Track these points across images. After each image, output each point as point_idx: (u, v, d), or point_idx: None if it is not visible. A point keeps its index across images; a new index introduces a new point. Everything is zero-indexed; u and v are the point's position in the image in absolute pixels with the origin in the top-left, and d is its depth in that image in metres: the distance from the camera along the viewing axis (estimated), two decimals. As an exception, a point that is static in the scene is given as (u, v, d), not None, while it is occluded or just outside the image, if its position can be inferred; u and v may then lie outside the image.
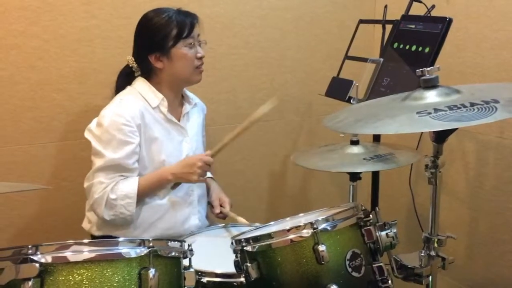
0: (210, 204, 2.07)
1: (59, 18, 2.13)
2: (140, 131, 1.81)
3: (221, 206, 2.03)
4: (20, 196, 2.18)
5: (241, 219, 1.90)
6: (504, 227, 2.16)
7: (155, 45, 1.84)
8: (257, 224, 1.80)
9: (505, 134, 2.11)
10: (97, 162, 1.78)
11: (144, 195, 1.83)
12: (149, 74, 1.90)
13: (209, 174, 2.09)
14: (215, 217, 2.05)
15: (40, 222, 2.24)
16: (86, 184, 1.81)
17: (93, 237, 1.91)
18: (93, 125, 1.83)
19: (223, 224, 1.96)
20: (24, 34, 2.09)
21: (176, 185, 1.88)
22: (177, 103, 1.96)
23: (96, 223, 1.88)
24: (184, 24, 1.84)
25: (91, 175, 1.79)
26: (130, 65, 1.90)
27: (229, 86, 2.48)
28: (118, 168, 1.78)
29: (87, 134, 1.83)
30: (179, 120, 1.95)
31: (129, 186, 1.78)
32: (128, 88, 1.90)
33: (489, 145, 2.19)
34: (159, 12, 1.86)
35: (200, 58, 1.89)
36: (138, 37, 1.89)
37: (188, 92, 2.03)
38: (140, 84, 1.89)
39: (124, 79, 1.92)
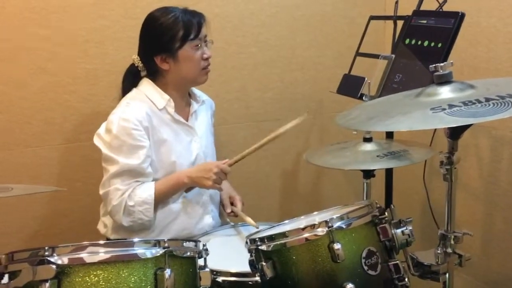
0: (221, 203, 2.06)
1: (69, 20, 2.14)
2: (149, 134, 1.81)
3: (232, 204, 2.02)
4: (33, 198, 2.19)
5: (249, 220, 1.88)
6: (519, 223, 2.14)
7: (161, 46, 1.82)
8: (270, 222, 1.80)
9: (519, 129, 2.09)
10: (111, 169, 1.77)
11: (161, 199, 1.82)
12: (155, 75, 1.89)
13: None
14: (227, 216, 2.04)
15: (54, 223, 2.25)
16: (102, 191, 1.80)
17: (108, 240, 1.90)
18: (102, 130, 1.82)
19: (237, 224, 1.96)
20: (34, 37, 2.10)
21: (189, 188, 1.87)
22: (184, 102, 1.96)
23: (112, 227, 1.88)
24: (191, 24, 1.82)
25: (106, 182, 1.78)
26: (136, 65, 1.89)
27: (239, 85, 2.48)
28: (133, 174, 1.77)
29: (96, 140, 1.82)
30: (187, 120, 1.94)
31: (146, 191, 1.77)
32: (134, 90, 1.89)
33: (503, 141, 2.16)
34: (165, 12, 1.83)
35: (207, 59, 1.87)
36: (144, 38, 1.87)
37: (195, 90, 2.02)
38: (146, 86, 1.88)
39: (131, 80, 1.91)
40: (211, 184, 1.80)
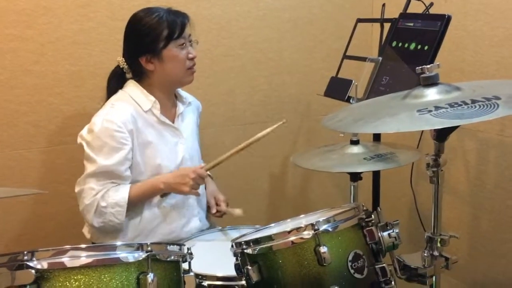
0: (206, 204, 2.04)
1: (55, 21, 2.12)
2: (133, 136, 1.79)
3: (217, 205, 2.00)
4: (17, 201, 2.16)
5: (237, 211, 1.88)
6: (506, 226, 2.14)
7: (146, 47, 1.80)
8: (257, 226, 1.78)
9: (506, 132, 2.10)
10: (89, 168, 1.75)
11: (135, 203, 1.80)
12: (140, 76, 1.87)
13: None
14: (213, 216, 2.02)
15: (39, 227, 2.22)
16: (77, 189, 1.79)
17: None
18: (84, 131, 1.80)
19: (224, 227, 1.95)
20: (19, 38, 2.08)
21: (166, 194, 1.85)
22: (170, 104, 1.93)
23: (96, 232, 1.85)
24: (175, 24, 1.80)
25: (82, 180, 1.77)
26: (121, 66, 1.87)
27: (226, 88, 2.47)
28: (109, 175, 1.75)
29: (79, 141, 1.80)
30: (173, 121, 1.92)
31: (120, 194, 1.75)
32: (120, 92, 1.87)
33: (490, 143, 2.17)
34: (149, 12, 1.82)
35: (192, 59, 1.86)
36: (128, 39, 1.85)
37: (182, 92, 2.00)
38: (131, 88, 1.86)
39: (116, 81, 1.89)
40: (188, 190, 1.78)
